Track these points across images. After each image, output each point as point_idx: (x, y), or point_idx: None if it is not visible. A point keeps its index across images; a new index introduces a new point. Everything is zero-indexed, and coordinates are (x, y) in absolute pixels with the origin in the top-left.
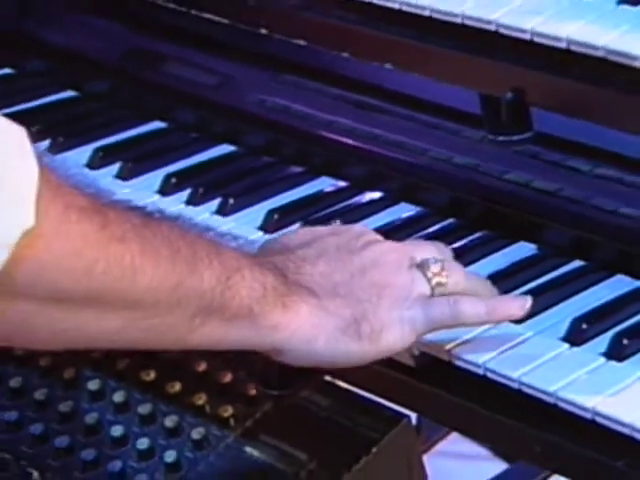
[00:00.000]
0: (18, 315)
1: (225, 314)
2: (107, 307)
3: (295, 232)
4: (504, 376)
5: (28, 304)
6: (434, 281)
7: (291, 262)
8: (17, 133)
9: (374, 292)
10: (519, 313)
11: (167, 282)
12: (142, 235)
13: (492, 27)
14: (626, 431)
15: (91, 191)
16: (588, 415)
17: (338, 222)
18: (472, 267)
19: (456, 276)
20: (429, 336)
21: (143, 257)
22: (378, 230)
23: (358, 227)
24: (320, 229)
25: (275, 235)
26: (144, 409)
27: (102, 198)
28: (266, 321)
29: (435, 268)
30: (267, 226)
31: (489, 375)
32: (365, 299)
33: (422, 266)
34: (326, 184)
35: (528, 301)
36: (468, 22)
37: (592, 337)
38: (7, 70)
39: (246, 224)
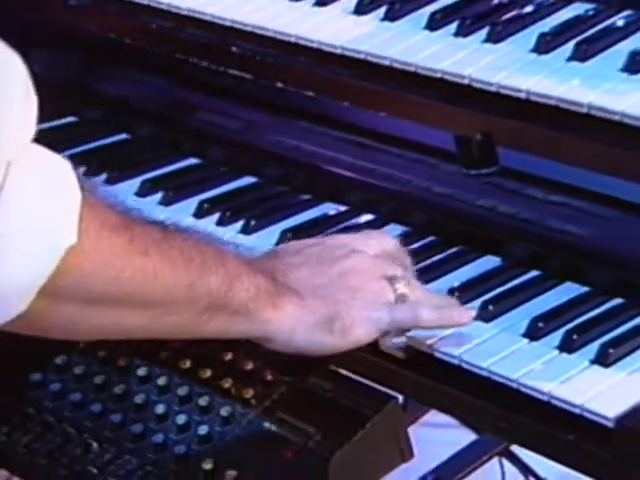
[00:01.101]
0: (62, 314)
1: (228, 310)
2: (133, 306)
3: (288, 244)
4: (476, 366)
5: (71, 305)
6: (398, 292)
7: (280, 268)
8: (63, 165)
9: (348, 295)
10: (465, 321)
11: (182, 285)
12: (161, 247)
13: (465, 81)
14: (576, 411)
15: (121, 208)
16: (545, 398)
17: None
18: (448, 276)
19: (417, 292)
20: (414, 333)
21: (162, 265)
22: None
23: (341, 238)
24: (308, 240)
25: None
26: (182, 391)
27: (129, 214)
28: (259, 316)
29: (401, 282)
30: (282, 243)
31: (463, 365)
32: (340, 300)
33: (390, 279)
34: (329, 208)
35: (472, 312)
36: (446, 77)
37: (547, 333)
38: (71, 118)
39: (265, 242)
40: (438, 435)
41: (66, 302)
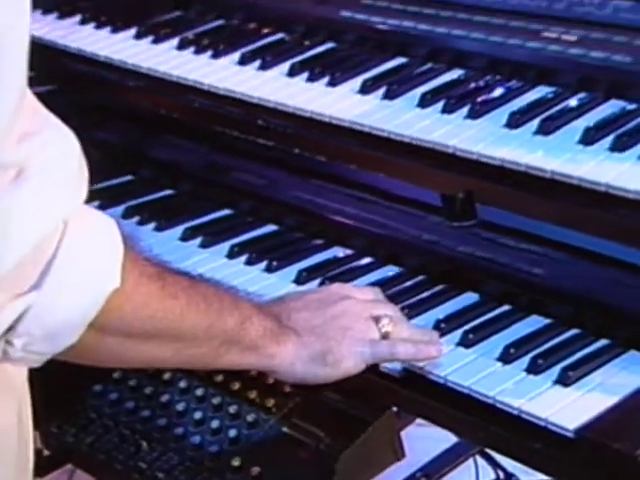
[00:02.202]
0: (107, 346)
1: (240, 346)
2: (164, 340)
3: (291, 293)
4: (458, 384)
5: (114, 338)
6: (383, 330)
7: (285, 311)
8: (109, 223)
9: (340, 333)
10: (436, 354)
11: (203, 324)
12: (188, 293)
13: (450, 150)
14: (542, 423)
15: (156, 261)
16: (515, 412)
17: None
18: (435, 309)
19: (399, 328)
20: None
21: (189, 308)
22: (373, 284)
23: (335, 286)
24: (309, 290)
25: (304, 287)
26: (216, 400)
27: (163, 266)
28: (266, 352)
29: (385, 321)
30: (299, 280)
31: (448, 384)
32: (332, 337)
33: (376, 319)
34: (338, 252)
35: (442, 347)
36: (435, 147)
37: (517, 358)
38: (129, 176)
39: (285, 279)
40: (425, 432)
41: (110, 336)
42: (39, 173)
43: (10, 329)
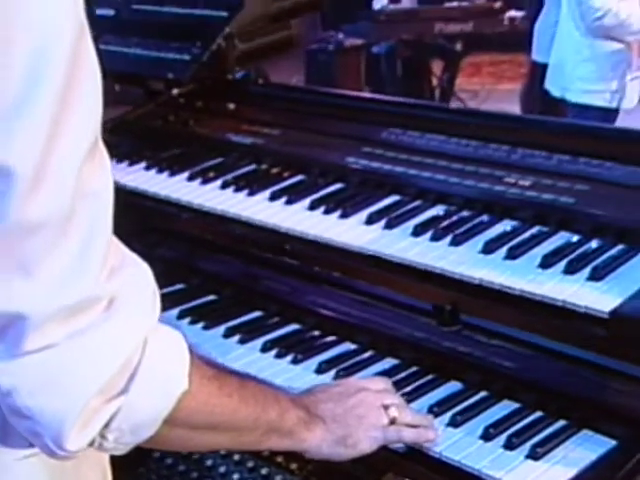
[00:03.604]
0: (175, 436)
1: (279, 433)
2: (220, 431)
3: (318, 385)
4: (450, 459)
5: (181, 430)
6: (390, 416)
7: (313, 402)
8: (178, 336)
9: (357, 421)
10: (433, 437)
11: (251, 417)
12: (239, 391)
13: (438, 270)
14: None
15: (212, 362)
16: None
17: None
18: (427, 395)
19: (403, 415)
20: None
21: (240, 404)
22: (376, 374)
23: (353, 380)
24: (331, 383)
25: (323, 376)
26: (250, 464)
27: (218, 366)
28: (299, 437)
29: (392, 409)
30: (319, 370)
31: (443, 458)
32: (351, 425)
33: (386, 407)
34: (349, 347)
35: (437, 432)
36: (427, 268)
37: (495, 436)
38: (180, 285)
39: (307, 369)
40: None
41: (179, 428)
42: (125, 303)
43: (105, 426)
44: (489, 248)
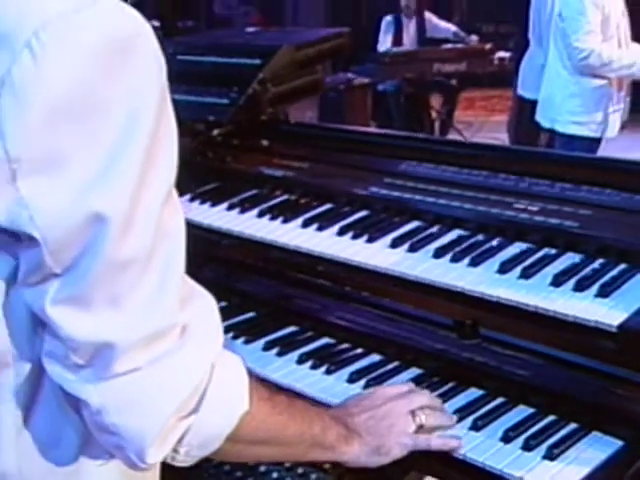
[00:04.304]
0: (235, 449)
1: (322, 447)
2: (272, 445)
3: (350, 398)
4: (474, 460)
5: (241, 444)
6: (417, 422)
7: (349, 416)
8: (238, 360)
9: (388, 430)
10: (457, 446)
11: (298, 432)
12: (288, 409)
13: (459, 289)
14: None
15: (267, 382)
16: None
17: None
18: (450, 402)
19: (431, 419)
20: None
21: (289, 421)
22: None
23: (380, 390)
24: (361, 395)
25: (354, 385)
26: (288, 464)
27: (269, 386)
28: (339, 451)
29: (419, 416)
30: (351, 380)
31: (467, 459)
32: (384, 434)
33: (413, 413)
34: (376, 358)
35: (459, 441)
36: (448, 287)
37: (514, 439)
38: (223, 304)
39: (340, 379)
40: None
41: (238, 443)
42: (195, 331)
43: (178, 441)
44: (504, 268)
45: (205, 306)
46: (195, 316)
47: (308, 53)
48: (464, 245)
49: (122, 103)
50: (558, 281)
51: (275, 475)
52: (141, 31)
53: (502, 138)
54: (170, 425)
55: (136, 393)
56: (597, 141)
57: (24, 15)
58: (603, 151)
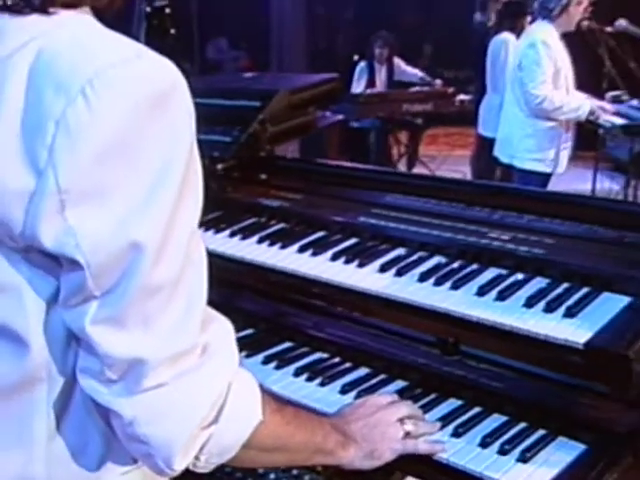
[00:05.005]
0: (248, 456)
1: (323, 453)
2: (281, 452)
3: (345, 406)
4: (456, 463)
5: (253, 451)
6: (406, 430)
7: (345, 423)
8: (250, 376)
9: (380, 436)
10: (440, 449)
11: (304, 440)
12: (295, 420)
13: (442, 310)
14: None
15: (274, 395)
16: None
17: None
18: (432, 411)
19: (417, 427)
20: None
21: (296, 431)
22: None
23: (371, 400)
24: (356, 404)
25: (346, 396)
26: (308, 477)
27: (277, 399)
28: (338, 456)
29: (408, 423)
30: (343, 391)
31: (450, 463)
32: (377, 440)
33: (401, 421)
34: (365, 371)
35: (443, 445)
36: (433, 308)
37: (491, 444)
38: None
39: (333, 391)
40: None
41: (252, 450)
42: (215, 350)
43: (200, 450)
44: (482, 291)
45: (223, 329)
46: (214, 337)
47: (303, 96)
48: (445, 270)
49: (161, 145)
50: (530, 303)
51: (272, 476)
52: (177, 83)
53: (463, 170)
54: (194, 435)
55: (164, 406)
56: (549, 175)
57: (77, 66)
58: (553, 184)
